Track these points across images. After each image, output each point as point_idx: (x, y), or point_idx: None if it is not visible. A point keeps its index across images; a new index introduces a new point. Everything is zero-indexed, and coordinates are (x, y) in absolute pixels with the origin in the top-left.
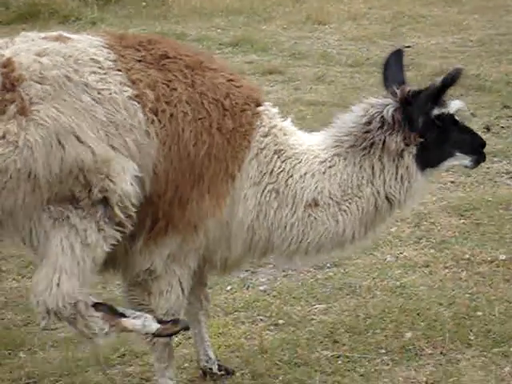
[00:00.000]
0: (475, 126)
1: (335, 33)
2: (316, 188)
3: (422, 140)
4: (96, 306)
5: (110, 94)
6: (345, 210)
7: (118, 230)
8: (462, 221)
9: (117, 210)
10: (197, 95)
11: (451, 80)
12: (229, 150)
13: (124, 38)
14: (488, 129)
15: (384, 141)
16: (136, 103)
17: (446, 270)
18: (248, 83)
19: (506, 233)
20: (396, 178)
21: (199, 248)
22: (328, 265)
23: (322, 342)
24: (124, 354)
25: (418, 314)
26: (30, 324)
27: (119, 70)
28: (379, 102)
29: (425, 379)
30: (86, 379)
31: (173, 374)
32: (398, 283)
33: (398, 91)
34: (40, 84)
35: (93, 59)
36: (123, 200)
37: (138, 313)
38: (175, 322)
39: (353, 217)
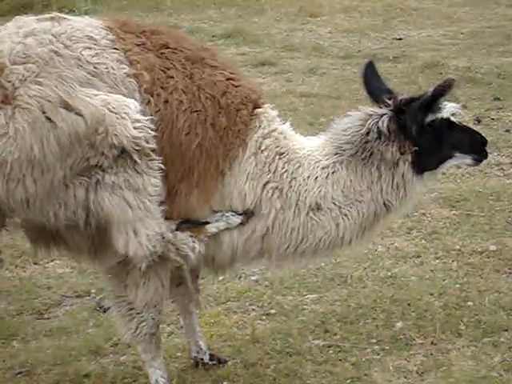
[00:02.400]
0: (466, 117)
1: (327, 25)
2: (319, 192)
3: (416, 148)
4: (179, 226)
5: (107, 69)
6: (346, 215)
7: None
8: (452, 212)
9: (136, 157)
10: (194, 87)
11: (443, 91)
12: (220, 148)
13: (127, 24)
14: (479, 120)
15: (381, 151)
16: (134, 81)
17: (437, 261)
18: (249, 84)
19: (496, 224)
20: (392, 186)
21: None
22: None
23: (313, 332)
24: (117, 344)
25: (408, 304)
26: (24, 313)
27: (116, 49)
28: (375, 111)
29: (415, 368)
30: (79, 368)
31: (161, 364)
32: (388, 273)
33: (390, 101)
34: (23, 64)
35: (88, 36)
36: (137, 143)
37: (218, 214)
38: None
39: (353, 221)
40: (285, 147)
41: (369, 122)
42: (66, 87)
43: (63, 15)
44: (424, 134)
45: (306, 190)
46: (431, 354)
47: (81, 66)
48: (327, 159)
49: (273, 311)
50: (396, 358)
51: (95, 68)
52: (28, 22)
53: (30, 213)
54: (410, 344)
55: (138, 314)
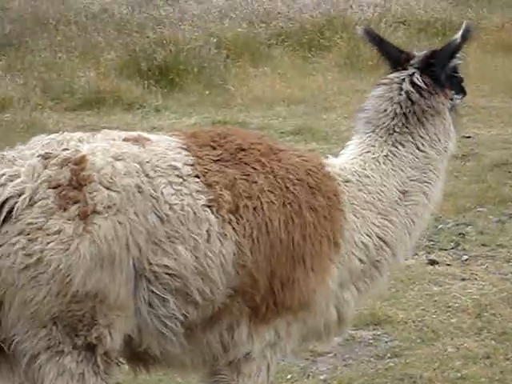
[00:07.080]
0: None
1: None
2: (396, 183)
3: (453, 92)
4: None
5: (182, 208)
6: (426, 181)
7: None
8: None
9: (99, 360)
10: (279, 180)
11: (469, 34)
12: (327, 226)
13: (197, 136)
14: None
15: (431, 105)
16: (208, 210)
17: (507, 362)
18: (308, 153)
19: None
20: (444, 132)
21: (305, 326)
22: (388, 355)
23: None
24: None
25: None
26: None
27: (197, 177)
28: (403, 74)
29: None
30: None
31: None
32: (458, 374)
33: (414, 60)
34: (108, 190)
35: (171, 166)
36: (109, 354)
37: None
38: None
39: (434, 183)
40: (352, 178)
41: (404, 87)
42: (136, 237)
43: (146, 135)
44: (450, 79)
45: (388, 189)
46: None
47: (155, 208)
48: (382, 150)
49: None
50: None
51: (170, 208)
52: (117, 141)
53: None
54: None
55: None
